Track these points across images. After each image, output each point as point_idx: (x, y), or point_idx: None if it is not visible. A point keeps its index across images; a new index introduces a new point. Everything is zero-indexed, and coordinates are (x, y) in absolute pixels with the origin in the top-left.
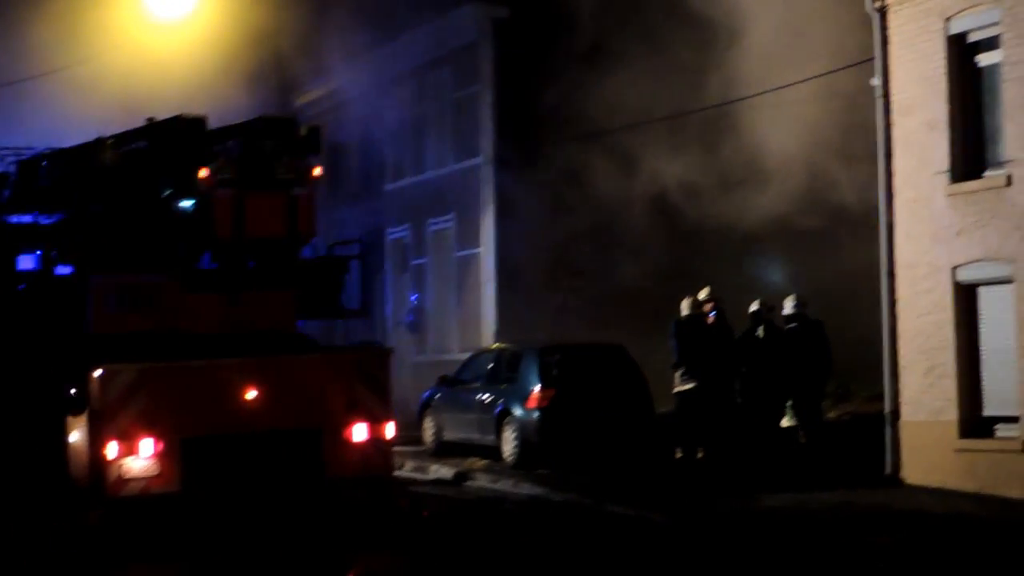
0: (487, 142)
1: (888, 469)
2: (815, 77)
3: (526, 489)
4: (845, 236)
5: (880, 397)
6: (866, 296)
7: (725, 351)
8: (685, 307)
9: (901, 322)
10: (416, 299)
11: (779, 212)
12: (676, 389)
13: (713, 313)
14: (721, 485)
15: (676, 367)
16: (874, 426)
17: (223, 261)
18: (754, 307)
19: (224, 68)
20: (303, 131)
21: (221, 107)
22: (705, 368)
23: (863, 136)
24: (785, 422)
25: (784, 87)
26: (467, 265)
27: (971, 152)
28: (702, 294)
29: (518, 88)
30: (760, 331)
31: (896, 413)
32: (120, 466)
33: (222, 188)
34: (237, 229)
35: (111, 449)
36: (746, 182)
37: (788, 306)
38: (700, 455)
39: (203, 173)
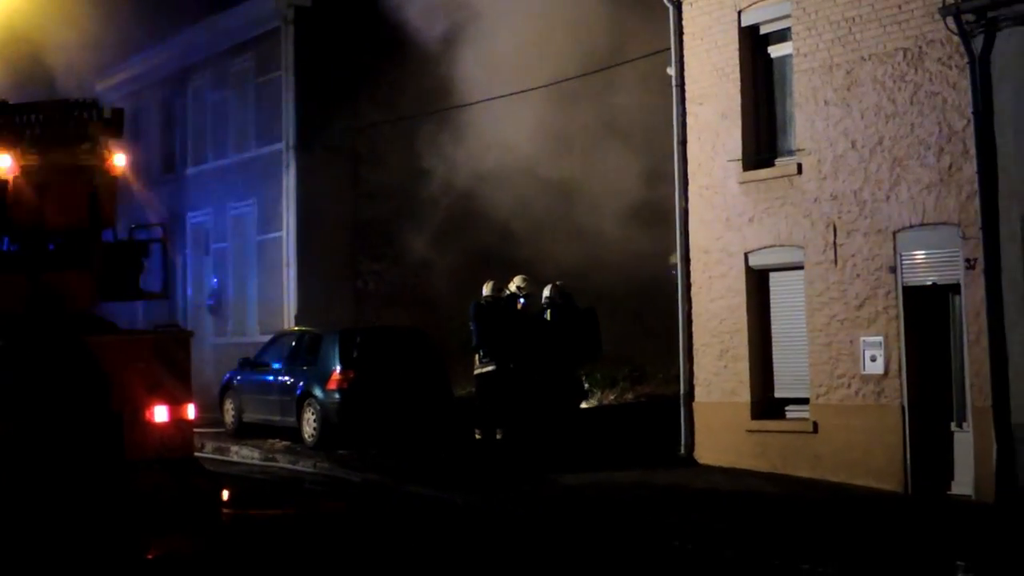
0: (288, 127)
1: (683, 450)
2: (611, 67)
3: (326, 470)
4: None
5: (677, 379)
6: (665, 279)
7: (528, 334)
8: (486, 290)
9: (696, 305)
10: (217, 283)
11: (580, 197)
12: (476, 371)
13: (522, 300)
14: (521, 465)
15: (475, 349)
16: (670, 408)
17: (22, 244)
18: (547, 292)
19: (22, 52)
20: (106, 114)
21: (19, 92)
22: (505, 350)
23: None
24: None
25: (583, 76)
26: (268, 249)
27: (763, 141)
28: (518, 280)
29: (319, 75)
30: (548, 315)
31: (691, 394)
32: None
33: (22, 174)
34: (36, 216)
35: None
36: (544, 167)
37: (547, 291)
38: (499, 436)
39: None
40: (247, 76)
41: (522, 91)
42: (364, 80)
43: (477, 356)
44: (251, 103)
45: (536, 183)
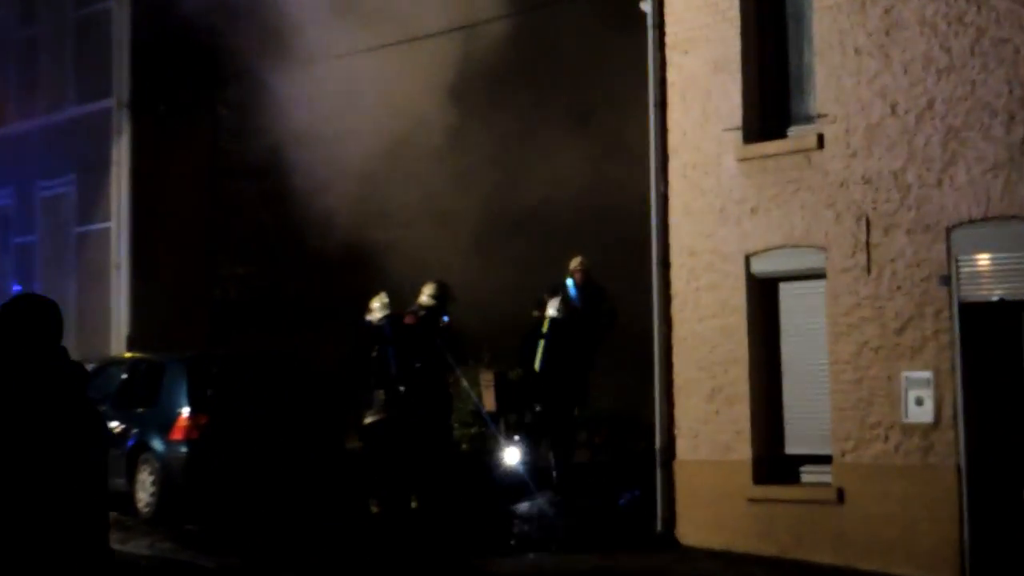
0: (121, 79)
1: (660, 525)
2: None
3: (168, 552)
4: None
5: (650, 429)
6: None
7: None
8: (377, 307)
9: (677, 328)
10: (20, 290)
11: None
12: (366, 420)
13: (445, 317)
14: (437, 545)
15: (389, 386)
16: (643, 467)
17: None
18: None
19: None
20: None
21: None
22: (419, 388)
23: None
24: None
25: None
26: (92, 245)
27: (771, 103)
28: (430, 290)
29: (163, 8)
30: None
31: (670, 450)
32: None
33: None
34: None
35: None
36: (465, 139)
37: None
38: (414, 505)
39: None
40: (63, 8)
41: (434, 34)
42: (227, 17)
43: (379, 396)
44: (70, 44)
45: (454, 161)
